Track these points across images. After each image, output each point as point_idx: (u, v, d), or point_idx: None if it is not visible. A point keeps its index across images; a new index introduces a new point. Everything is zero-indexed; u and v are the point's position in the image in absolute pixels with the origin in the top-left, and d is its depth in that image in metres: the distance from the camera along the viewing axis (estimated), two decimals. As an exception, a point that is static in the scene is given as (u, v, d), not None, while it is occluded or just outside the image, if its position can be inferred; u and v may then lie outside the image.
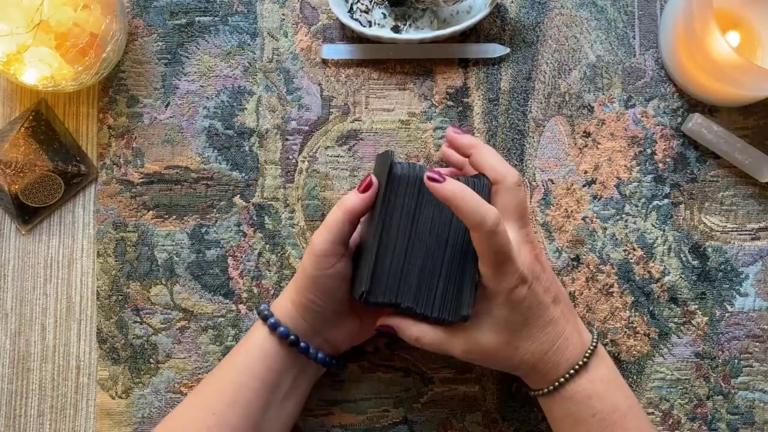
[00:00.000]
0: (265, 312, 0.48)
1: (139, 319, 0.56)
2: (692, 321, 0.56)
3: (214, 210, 0.57)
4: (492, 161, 0.47)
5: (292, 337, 0.48)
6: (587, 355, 0.47)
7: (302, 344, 0.48)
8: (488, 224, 0.42)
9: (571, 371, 0.46)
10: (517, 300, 0.44)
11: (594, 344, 0.47)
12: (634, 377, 0.55)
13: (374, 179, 0.46)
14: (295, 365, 0.49)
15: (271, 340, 0.48)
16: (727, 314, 0.56)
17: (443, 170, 0.48)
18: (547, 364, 0.46)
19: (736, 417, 0.55)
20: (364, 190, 0.46)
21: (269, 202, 0.57)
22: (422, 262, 0.46)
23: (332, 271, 0.46)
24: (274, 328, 0.48)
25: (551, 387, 0.47)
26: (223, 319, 0.56)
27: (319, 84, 0.57)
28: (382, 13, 0.58)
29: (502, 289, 0.44)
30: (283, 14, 0.58)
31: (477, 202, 0.42)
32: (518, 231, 0.46)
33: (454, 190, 0.42)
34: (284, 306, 0.49)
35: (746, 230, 0.56)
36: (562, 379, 0.46)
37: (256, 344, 0.48)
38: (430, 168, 0.47)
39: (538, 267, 0.46)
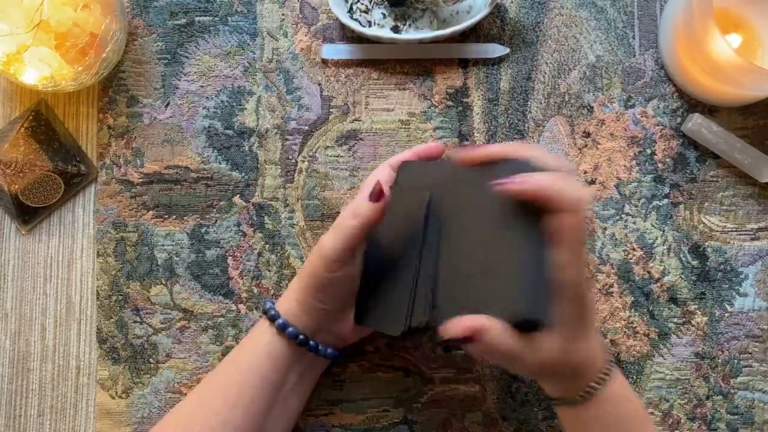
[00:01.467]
0: (272, 312, 0.48)
1: (139, 319, 0.56)
2: (692, 321, 0.56)
3: (214, 210, 0.57)
4: (552, 185, 0.41)
5: (301, 336, 0.47)
6: (611, 358, 0.44)
7: (311, 343, 0.48)
8: (584, 202, 0.39)
9: (604, 374, 0.43)
10: (582, 295, 0.41)
11: (609, 348, 0.46)
12: (634, 377, 0.55)
13: (386, 189, 0.45)
14: (301, 363, 0.49)
15: (278, 341, 0.47)
16: (726, 314, 0.56)
17: (476, 153, 0.44)
18: (587, 367, 0.43)
19: (736, 417, 0.55)
20: (376, 200, 0.45)
21: (269, 202, 0.57)
22: (482, 267, 0.42)
23: (341, 273, 0.46)
24: (282, 328, 0.47)
25: (586, 391, 0.43)
26: (223, 319, 0.56)
27: (319, 84, 0.57)
28: (382, 13, 0.58)
29: (577, 280, 0.40)
30: (282, 14, 0.58)
31: (558, 183, 0.39)
32: None
33: (528, 182, 0.39)
34: (289, 305, 0.48)
35: (746, 230, 0.56)
36: (599, 382, 0.43)
37: (262, 344, 0.48)
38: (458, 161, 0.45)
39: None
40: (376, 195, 0.44)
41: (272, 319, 0.48)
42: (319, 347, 0.48)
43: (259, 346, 0.48)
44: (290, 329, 0.47)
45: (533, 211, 0.40)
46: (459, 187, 0.45)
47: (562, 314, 0.41)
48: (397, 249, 0.46)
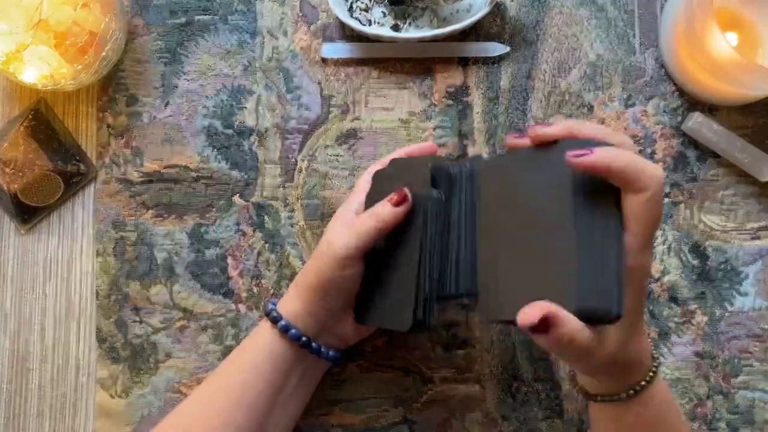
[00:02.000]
0: (274, 314, 0.48)
1: (138, 319, 0.56)
2: (692, 320, 0.55)
3: (214, 209, 0.56)
4: (629, 162, 0.37)
5: (304, 338, 0.47)
6: (655, 355, 0.43)
7: (314, 345, 0.48)
8: (660, 180, 0.36)
9: (652, 372, 0.42)
10: (645, 285, 0.39)
11: (653, 344, 0.44)
12: (634, 376, 0.55)
13: (408, 194, 0.45)
14: (303, 364, 0.49)
15: (280, 343, 0.47)
16: (727, 314, 0.56)
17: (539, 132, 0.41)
18: (640, 364, 0.42)
19: (736, 416, 0.55)
20: (398, 204, 0.45)
21: (269, 202, 0.57)
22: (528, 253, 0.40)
23: (351, 272, 0.46)
24: (285, 330, 0.47)
25: (635, 389, 0.42)
26: (222, 318, 0.56)
27: (319, 83, 0.57)
28: (382, 11, 0.58)
29: (643, 268, 0.38)
30: (282, 13, 0.58)
31: (638, 159, 0.37)
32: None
33: (608, 155, 0.36)
34: (292, 306, 0.48)
35: (746, 229, 0.56)
36: (647, 379, 0.42)
37: (264, 346, 0.48)
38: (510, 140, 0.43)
39: None
40: (399, 200, 0.45)
41: (274, 320, 0.47)
42: (321, 349, 0.48)
43: (260, 348, 0.48)
44: (293, 331, 0.47)
45: (600, 192, 0.38)
46: (502, 171, 0.43)
47: (627, 305, 0.37)
48: (393, 244, 0.46)
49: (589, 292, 0.36)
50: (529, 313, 0.36)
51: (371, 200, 0.48)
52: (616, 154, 0.37)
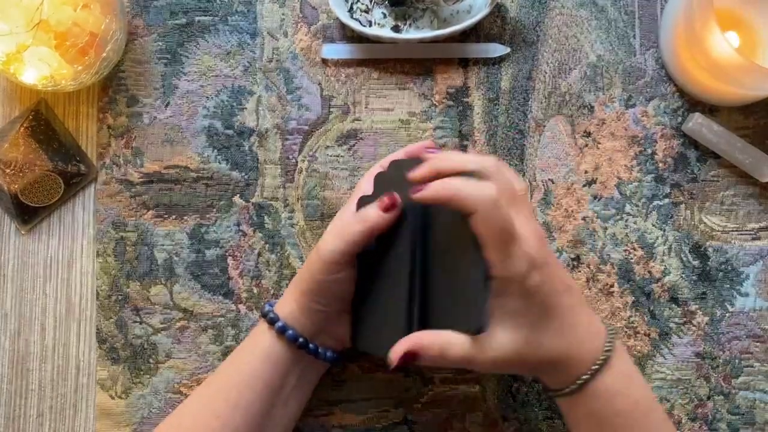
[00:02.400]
0: (271, 315, 0.48)
1: (138, 319, 0.56)
2: (693, 321, 0.55)
3: (214, 210, 0.56)
4: (457, 163, 0.43)
5: (300, 339, 0.47)
6: (608, 348, 0.43)
7: (311, 346, 0.48)
8: (488, 199, 0.39)
9: (595, 366, 0.42)
10: (532, 288, 0.41)
11: (611, 336, 0.44)
12: (635, 377, 0.55)
13: (398, 199, 0.45)
14: (300, 365, 0.48)
15: (277, 344, 0.47)
16: (727, 314, 0.55)
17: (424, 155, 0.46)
18: (571, 359, 0.42)
19: (737, 417, 0.55)
20: (387, 210, 0.45)
21: (269, 202, 0.57)
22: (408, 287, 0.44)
23: (340, 276, 0.46)
24: (282, 332, 0.47)
25: (575, 385, 0.43)
26: (222, 319, 0.56)
27: (319, 83, 0.57)
28: (382, 12, 0.58)
29: (515, 275, 0.40)
30: (283, 14, 0.58)
31: (466, 183, 0.40)
32: (514, 217, 0.42)
33: (437, 187, 0.40)
34: (288, 307, 0.48)
35: (747, 230, 0.56)
36: (587, 375, 0.42)
37: (262, 348, 0.48)
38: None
39: (545, 251, 0.43)
40: (388, 204, 0.45)
41: (271, 322, 0.47)
42: (319, 350, 0.48)
43: (258, 349, 0.48)
44: (290, 332, 0.47)
45: (455, 219, 0.41)
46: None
47: (508, 309, 0.41)
48: (385, 248, 0.46)
49: (470, 312, 0.41)
50: (396, 352, 0.41)
51: (365, 203, 0.47)
52: (442, 185, 0.40)
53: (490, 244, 0.40)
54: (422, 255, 0.45)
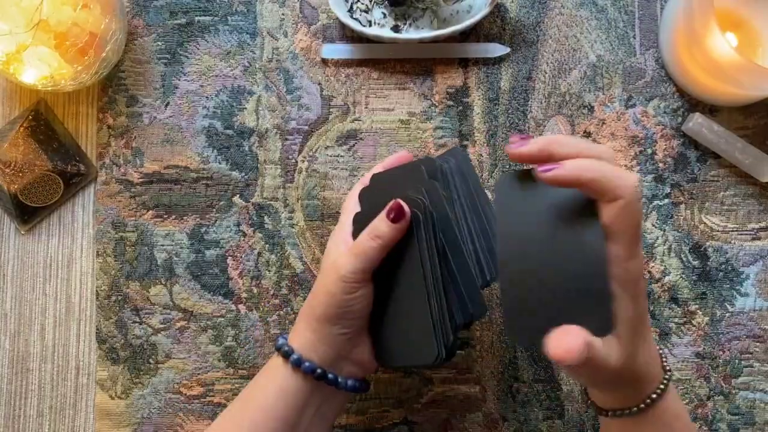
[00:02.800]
0: (286, 348, 0.45)
1: (138, 320, 0.56)
2: (693, 321, 0.55)
3: (214, 210, 0.56)
4: (572, 147, 0.38)
5: (318, 370, 0.44)
6: (667, 367, 0.41)
7: (330, 376, 0.45)
8: (634, 188, 0.36)
9: (662, 386, 0.40)
10: (642, 292, 0.38)
11: (665, 355, 0.42)
12: (635, 377, 0.55)
13: (406, 208, 0.43)
14: (319, 396, 0.46)
15: (293, 377, 0.45)
16: (727, 314, 0.55)
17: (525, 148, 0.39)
18: (649, 375, 0.40)
19: (737, 417, 0.55)
20: (395, 220, 0.43)
21: (269, 202, 0.56)
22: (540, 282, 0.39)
23: (359, 294, 0.44)
24: (297, 364, 0.44)
25: (644, 404, 0.40)
26: (222, 319, 0.56)
27: (319, 83, 0.57)
28: (382, 12, 0.58)
29: (635, 275, 0.37)
30: (282, 14, 0.58)
31: (612, 168, 0.36)
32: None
33: (578, 166, 0.36)
34: (303, 338, 0.45)
35: (747, 230, 0.56)
36: (655, 395, 0.40)
37: (276, 383, 0.45)
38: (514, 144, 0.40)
39: None
40: (396, 214, 0.43)
41: (286, 355, 0.45)
42: (339, 379, 0.45)
43: (272, 386, 0.45)
44: (306, 364, 0.44)
45: (582, 206, 0.38)
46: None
47: (625, 314, 0.37)
48: (395, 266, 0.45)
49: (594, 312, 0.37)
50: (564, 342, 0.36)
51: (361, 222, 0.46)
52: (585, 165, 0.36)
53: (624, 237, 0.37)
54: (438, 253, 0.44)
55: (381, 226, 0.44)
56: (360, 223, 0.46)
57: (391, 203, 0.44)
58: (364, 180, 0.49)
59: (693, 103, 0.57)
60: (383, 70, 0.57)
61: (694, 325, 0.55)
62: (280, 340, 0.46)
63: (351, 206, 0.48)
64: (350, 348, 0.46)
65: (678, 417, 0.41)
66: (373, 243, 0.44)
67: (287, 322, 0.56)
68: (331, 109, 0.57)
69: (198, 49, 0.58)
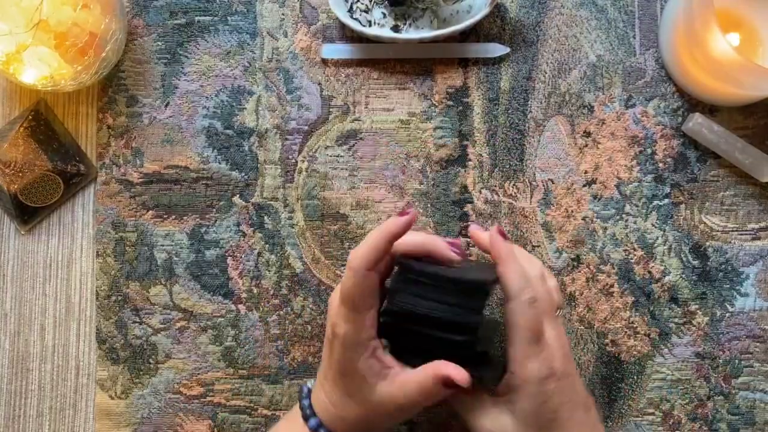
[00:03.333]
0: (308, 411, 0.45)
1: (138, 320, 0.56)
2: (693, 321, 0.55)
3: (214, 210, 0.56)
4: (512, 276, 0.43)
5: None
6: None
7: None
8: (529, 291, 0.41)
9: None
10: (547, 394, 0.41)
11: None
12: (635, 377, 0.55)
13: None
14: None
15: None
16: (727, 314, 0.55)
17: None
18: None
19: (737, 417, 0.55)
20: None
21: (269, 202, 0.56)
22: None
23: (367, 322, 0.43)
24: (315, 430, 0.44)
25: None
26: (222, 319, 0.56)
27: (319, 83, 0.57)
28: (382, 12, 0.58)
29: (532, 378, 0.41)
30: (282, 14, 0.58)
31: (523, 268, 0.42)
32: (546, 324, 0.43)
33: (510, 249, 0.43)
34: (324, 405, 0.45)
35: (747, 230, 0.56)
36: None
37: None
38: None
39: (570, 366, 0.43)
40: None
41: (306, 418, 0.45)
42: None
43: None
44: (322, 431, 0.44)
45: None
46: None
47: (517, 408, 0.42)
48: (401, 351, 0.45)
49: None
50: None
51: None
52: (514, 252, 0.44)
53: (517, 336, 0.42)
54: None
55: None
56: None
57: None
58: (354, 265, 0.42)
59: (693, 103, 0.57)
60: (383, 70, 0.57)
61: (694, 325, 0.55)
62: (305, 389, 0.46)
63: (334, 311, 0.45)
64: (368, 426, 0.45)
65: None
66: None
67: (287, 322, 0.56)
68: (331, 109, 0.57)
69: (198, 49, 0.58)
